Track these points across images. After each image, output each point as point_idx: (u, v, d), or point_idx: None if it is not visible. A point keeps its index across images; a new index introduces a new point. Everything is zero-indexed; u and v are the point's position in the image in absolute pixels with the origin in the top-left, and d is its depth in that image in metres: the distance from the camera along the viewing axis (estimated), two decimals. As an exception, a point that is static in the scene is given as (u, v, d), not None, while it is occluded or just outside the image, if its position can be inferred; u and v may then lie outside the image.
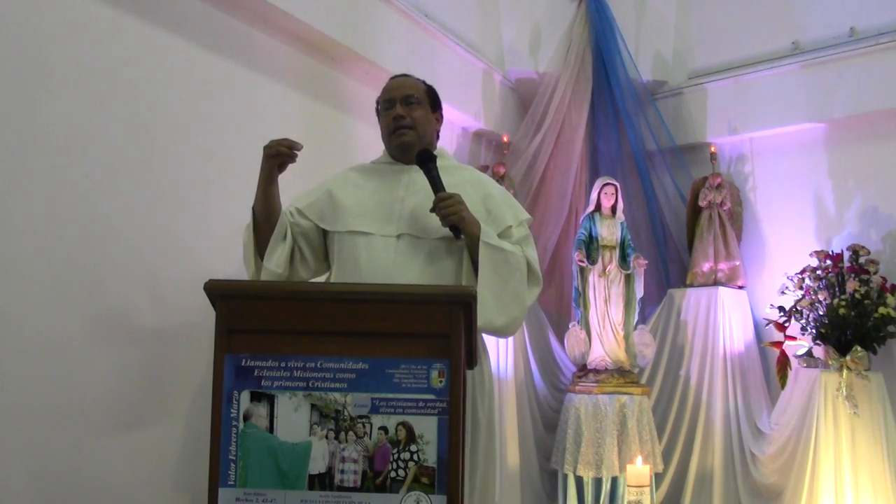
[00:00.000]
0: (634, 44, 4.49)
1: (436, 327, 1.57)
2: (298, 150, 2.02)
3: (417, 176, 2.11)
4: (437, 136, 2.27)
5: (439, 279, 2.03)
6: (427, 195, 2.04)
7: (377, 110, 2.26)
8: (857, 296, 3.61)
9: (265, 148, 2.04)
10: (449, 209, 1.96)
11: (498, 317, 1.98)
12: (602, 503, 3.73)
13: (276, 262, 2.06)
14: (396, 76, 2.30)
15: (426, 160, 2.06)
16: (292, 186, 2.24)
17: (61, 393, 2.16)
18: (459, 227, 1.98)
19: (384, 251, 2.03)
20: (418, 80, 2.26)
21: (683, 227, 4.41)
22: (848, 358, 3.56)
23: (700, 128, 4.53)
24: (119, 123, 2.38)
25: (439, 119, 2.28)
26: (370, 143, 2.88)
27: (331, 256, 2.16)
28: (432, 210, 1.99)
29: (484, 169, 4.06)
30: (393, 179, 2.16)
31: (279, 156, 2.01)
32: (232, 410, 1.53)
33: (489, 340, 2.23)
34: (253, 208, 2.10)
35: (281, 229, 2.09)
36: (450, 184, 2.05)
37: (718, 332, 4.03)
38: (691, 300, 4.18)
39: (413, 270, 2.00)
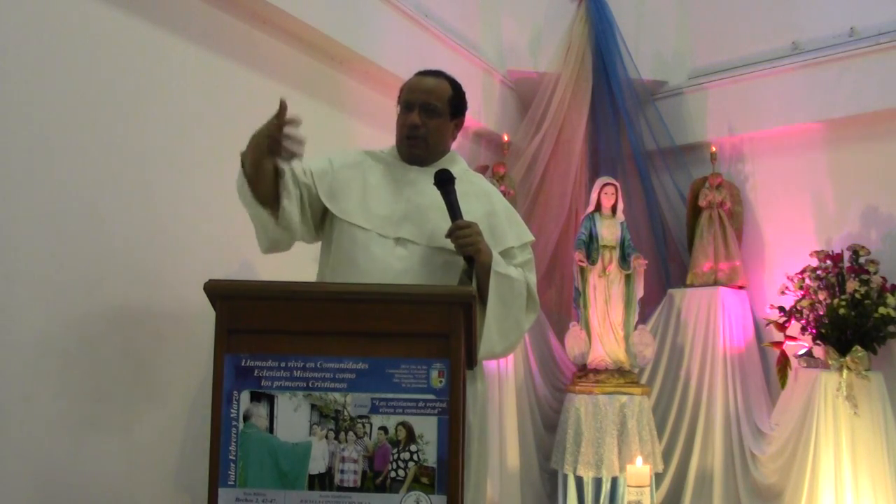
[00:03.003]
0: (634, 44, 4.49)
1: (436, 327, 1.57)
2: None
3: (424, 178, 2.07)
4: (453, 141, 2.22)
5: None
6: (432, 202, 2.01)
7: (399, 98, 2.17)
8: (857, 296, 3.60)
9: (273, 136, 1.83)
10: (466, 240, 1.92)
11: (499, 344, 1.97)
12: (602, 503, 3.73)
13: (293, 209, 1.95)
14: (425, 74, 2.19)
15: (444, 182, 1.98)
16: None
17: (61, 393, 2.16)
18: (474, 258, 1.94)
19: (382, 252, 2.00)
20: (446, 83, 2.16)
21: (683, 227, 4.41)
22: (848, 358, 3.56)
23: (700, 128, 4.52)
24: (118, 123, 2.38)
25: (458, 126, 2.21)
26: (370, 143, 2.88)
27: (327, 236, 2.10)
28: (448, 236, 1.94)
29: (484, 169, 4.07)
30: (401, 178, 2.12)
31: (278, 154, 1.86)
32: (232, 410, 1.53)
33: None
34: (243, 155, 1.91)
35: (288, 180, 1.96)
36: (458, 193, 1.99)
37: (718, 332, 4.03)
38: (691, 300, 4.18)
39: (409, 278, 1.97)
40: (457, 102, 2.18)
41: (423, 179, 2.09)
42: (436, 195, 2.00)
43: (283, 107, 1.84)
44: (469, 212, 1.99)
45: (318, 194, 2.07)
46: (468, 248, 1.93)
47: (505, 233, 2.12)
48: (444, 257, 2.02)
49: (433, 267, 2.02)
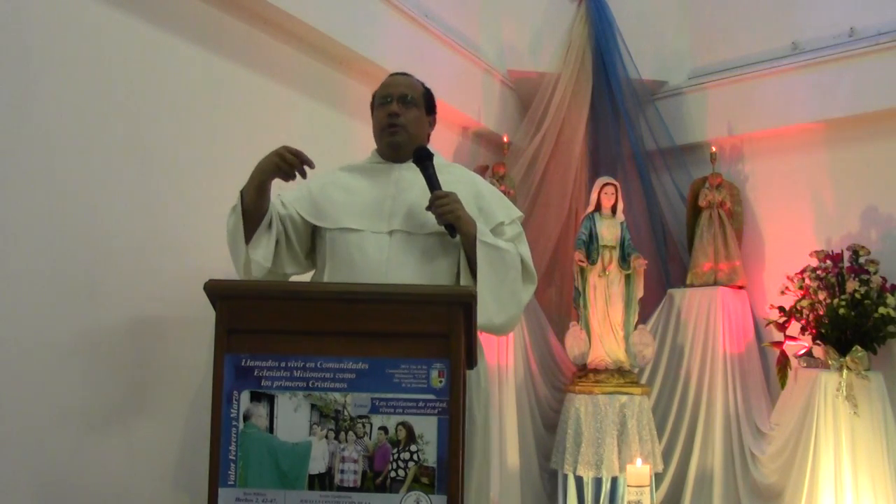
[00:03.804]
0: (634, 44, 4.48)
1: (436, 327, 1.57)
2: (305, 166, 1.96)
3: (408, 174, 2.11)
4: (428, 139, 2.26)
5: (435, 277, 2.02)
6: (420, 192, 2.04)
7: (372, 104, 2.24)
8: (857, 296, 3.60)
9: (280, 152, 1.93)
10: (445, 207, 1.96)
11: (497, 315, 1.98)
12: (602, 503, 3.74)
13: (262, 255, 1.99)
14: (396, 74, 2.28)
15: (423, 158, 2.05)
16: (288, 186, 2.23)
17: (61, 393, 2.16)
18: (455, 226, 1.97)
19: (378, 248, 2.02)
20: (417, 80, 2.25)
21: (683, 227, 4.41)
22: (848, 358, 3.56)
23: (700, 128, 4.52)
24: (118, 123, 2.38)
25: (432, 123, 2.27)
26: (370, 143, 2.88)
27: (321, 254, 2.13)
28: (428, 208, 1.98)
29: (484, 169, 4.07)
30: (384, 178, 2.15)
31: (285, 169, 1.93)
32: (232, 410, 1.53)
33: (488, 340, 2.23)
34: (242, 192, 1.99)
35: (267, 219, 2.02)
36: (441, 182, 2.04)
37: (718, 332, 4.03)
38: (691, 300, 4.18)
39: (408, 268, 1.99)
40: (429, 99, 2.24)
41: (406, 176, 2.12)
42: (421, 187, 2.03)
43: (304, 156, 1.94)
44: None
45: (304, 218, 2.11)
46: (447, 215, 1.96)
47: (494, 211, 2.16)
48: (441, 241, 2.03)
49: (433, 254, 2.04)
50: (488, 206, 2.15)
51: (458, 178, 2.16)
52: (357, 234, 2.04)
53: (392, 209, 2.08)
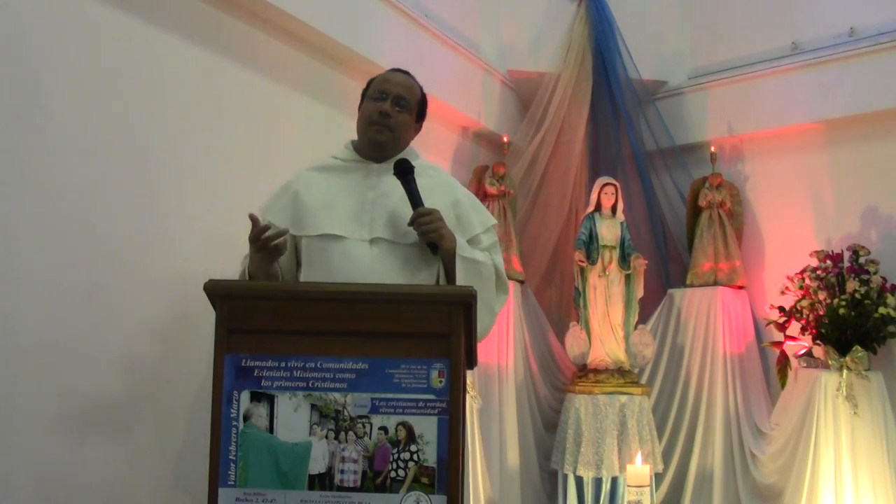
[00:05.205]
0: (634, 44, 4.48)
1: (436, 327, 1.57)
2: (283, 234, 1.92)
3: (386, 177, 2.07)
4: (408, 144, 2.22)
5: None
6: (400, 199, 2.02)
7: (364, 92, 2.19)
8: (857, 296, 3.60)
9: (252, 242, 1.90)
10: (428, 226, 1.95)
11: None
12: (602, 503, 3.74)
13: None
14: (398, 71, 2.23)
15: (404, 172, 2.02)
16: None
17: (61, 394, 2.16)
18: (437, 244, 1.97)
19: (359, 256, 2.00)
20: (417, 84, 2.21)
21: (683, 227, 4.41)
22: (848, 358, 3.56)
23: (700, 128, 4.52)
24: (118, 123, 2.38)
25: (418, 130, 2.24)
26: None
27: (299, 259, 2.09)
28: (410, 224, 1.97)
29: (484, 169, 4.07)
30: (361, 180, 2.11)
31: (270, 250, 1.90)
32: (232, 410, 1.53)
33: (488, 340, 2.22)
34: (249, 270, 1.95)
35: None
36: (419, 187, 2.02)
37: (718, 332, 4.03)
38: (691, 300, 4.18)
39: (390, 277, 1.97)
40: (422, 107, 2.21)
41: (385, 180, 2.08)
42: (401, 193, 2.01)
43: (253, 221, 1.90)
44: (435, 203, 2.01)
45: (291, 232, 2.04)
46: (431, 234, 1.96)
47: (471, 220, 2.15)
48: (421, 250, 2.02)
49: (414, 264, 2.02)
50: (466, 214, 2.14)
51: (436, 183, 2.14)
52: (338, 240, 2.01)
53: (372, 214, 2.05)
